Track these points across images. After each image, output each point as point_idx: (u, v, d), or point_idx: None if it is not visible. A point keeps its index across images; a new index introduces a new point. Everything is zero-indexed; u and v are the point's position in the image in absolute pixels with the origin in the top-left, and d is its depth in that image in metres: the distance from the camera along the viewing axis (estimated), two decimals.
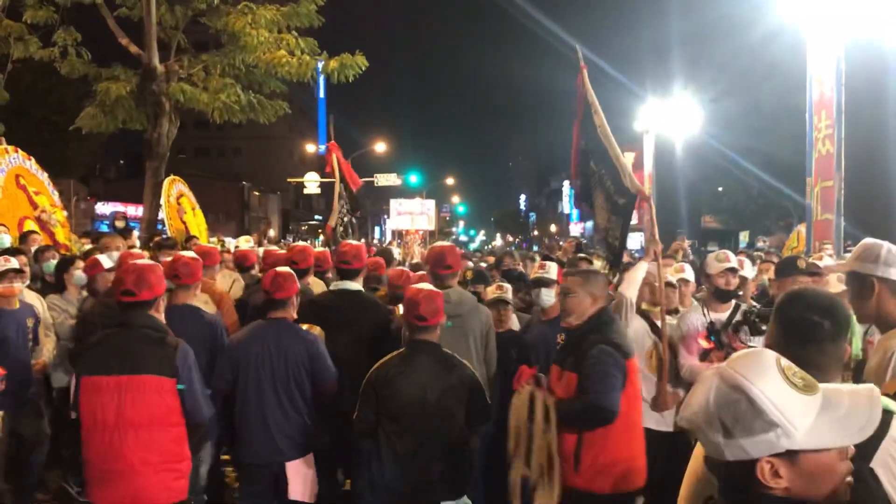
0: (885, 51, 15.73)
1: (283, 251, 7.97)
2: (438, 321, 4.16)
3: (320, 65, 15.39)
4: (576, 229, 63.72)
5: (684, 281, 6.10)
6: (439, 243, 5.74)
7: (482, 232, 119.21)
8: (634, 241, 32.30)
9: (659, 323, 5.11)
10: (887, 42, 15.67)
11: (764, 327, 3.94)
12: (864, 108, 14.41)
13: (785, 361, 1.51)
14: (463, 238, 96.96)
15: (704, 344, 4.93)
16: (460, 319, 4.79)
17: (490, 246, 71.13)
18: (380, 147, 45.41)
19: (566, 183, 72.01)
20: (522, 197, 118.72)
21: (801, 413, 1.43)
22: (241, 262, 8.07)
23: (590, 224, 64.70)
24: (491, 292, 5.64)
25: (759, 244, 19.92)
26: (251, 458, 4.61)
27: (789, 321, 2.27)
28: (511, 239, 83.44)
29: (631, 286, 5.00)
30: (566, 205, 74.38)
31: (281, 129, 63.86)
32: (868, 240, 3.16)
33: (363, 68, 15.02)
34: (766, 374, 1.46)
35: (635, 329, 5.13)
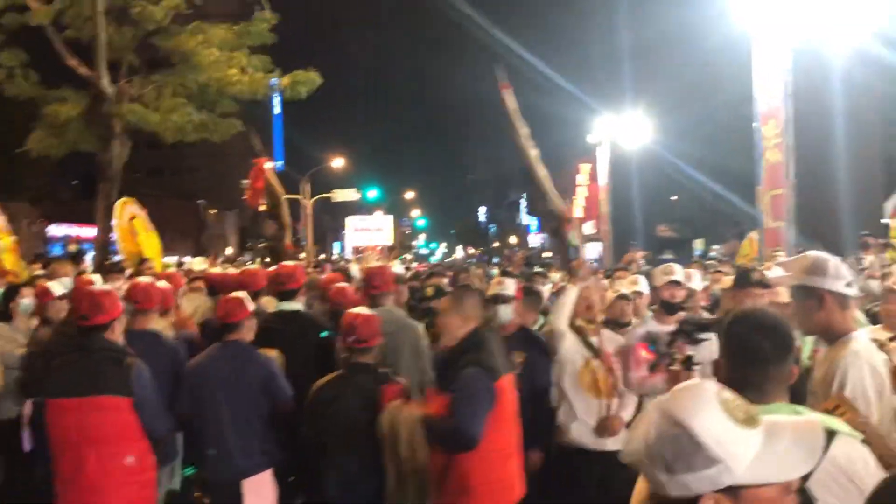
0: (829, 59, 16.17)
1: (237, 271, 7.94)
2: (376, 343, 4.30)
3: (274, 82, 15.35)
4: (535, 240, 64.08)
5: (638, 293, 6.16)
6: (376, 264, 5.88)
7: (444, 245, 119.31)
8: (592, 250, 32.64)
9: (595, 339, 5.10)
10: (831, 50, 16.10)
11: (701, 335, 3.97)
12: (811, 116, 14.78)
13: (726, 393, 1.48)
14: (424, 251, 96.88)
15: (645, 355, 4.97)
16: (389, 337, 4.84)
17: (451, 258, 71.22)
18: (338, 162, 45.25)
19: (525, 195, 72.68)
20: (482, 209, 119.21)
21: (743, 447, 1.41)
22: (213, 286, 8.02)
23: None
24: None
25: (713, 252, 20.31)
26: (211, 475, 4.79)
27: (734, 343, 2.28)
28: (472, 251, 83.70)
29: (560, 315, 5.02)
30: (524, 216, 74.93)
31: (237, 147, 63.29)
32: (813, 253, 3.19)
33: (316, 84, 15.03)
34: (705, 408, 1.43)
35: (566, 348, 5.12)
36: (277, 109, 36.25)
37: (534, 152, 6.17)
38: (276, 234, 9.79)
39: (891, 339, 4.20)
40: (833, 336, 3.06)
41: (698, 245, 34.79)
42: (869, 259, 10.91)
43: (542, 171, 5.74)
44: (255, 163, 10.71)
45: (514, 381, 4.09)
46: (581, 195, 40.37)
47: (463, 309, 4.07)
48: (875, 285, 7.24)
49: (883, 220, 13.47)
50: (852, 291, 3.05)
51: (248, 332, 4.86)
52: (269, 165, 12.84)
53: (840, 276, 3.05)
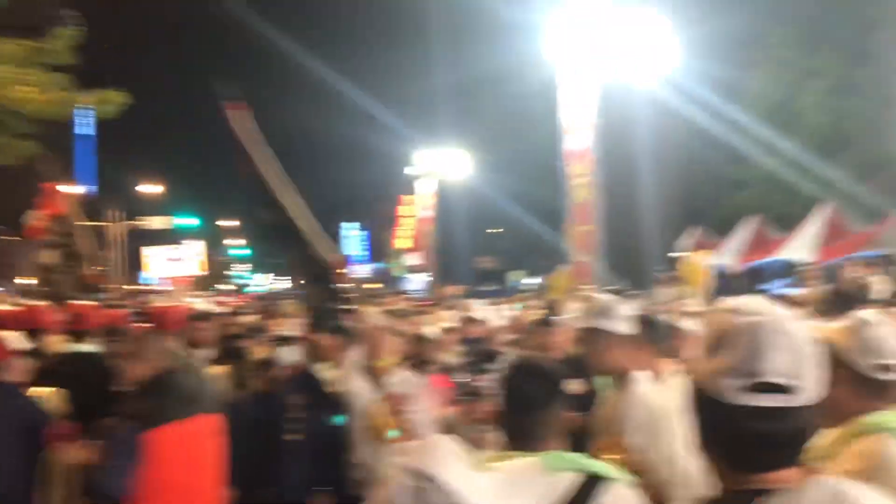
0: (636, 103, 17.26)
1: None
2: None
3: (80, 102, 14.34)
4: (364, 270, 63.99)
5: (449, 329, 6.12)
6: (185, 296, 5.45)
7: (271, 275, 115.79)
8: (418, 281, 32.95)
9: (395, 379, 4.93)
10: (638, 95, 17.20)
11: (488, 366, 3.98)
12: (619, 157, 15.67)
13: (458, 446, 1.58)
14: (242, 282, 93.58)
15: (447, 387, 4.90)
16: None
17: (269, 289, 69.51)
18: (155, 188, 43.07)
19: (343, 224, 73.54)
20: None
21: (483, 493, 1.50)
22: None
23: (380, 264, 65.41)
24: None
25: (528, 284, 21.02)
26: None
27: (508, 391, 2.28)
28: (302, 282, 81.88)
29: (351, 356, 4.82)
30: (347, 246, 75.14)
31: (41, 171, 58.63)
32: (600, 295, 3.34)
33: (122, 104, 14.18)
34: (445, 460, 1.52)
35: (355, 390, 4.90)
36: (85, 130, 33.92)
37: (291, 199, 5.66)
38: (57, 266, 8.95)
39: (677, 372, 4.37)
40: (620, 376, 3.14)
41: (515, 277, 36.00)
42: (663, 293, 11.64)
43: (302, 215, 5.41)
44: (44, 188, 9.80)
45: (216, 421, 3.86)
46: (407, 227, 40.82)
47: (143, 352, 3.97)
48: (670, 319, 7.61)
49: (670, 254, 14.43)
50: (632, 330, 3.18)
51: (15, 373, 4.62)
52: (69, 190, 11.85)
53: (625, 317, 3.18)
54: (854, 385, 2.25)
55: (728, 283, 21.57)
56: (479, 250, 37.68)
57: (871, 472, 2.08)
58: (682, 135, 23.33)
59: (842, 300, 8.20)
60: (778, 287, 18.67)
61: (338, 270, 5.94)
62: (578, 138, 14.93)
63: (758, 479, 1.38)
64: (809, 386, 1.39)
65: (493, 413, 2.36)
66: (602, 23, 14.17)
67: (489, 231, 35.11)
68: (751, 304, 1.45)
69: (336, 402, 4.74)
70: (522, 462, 2.03)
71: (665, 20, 14.78)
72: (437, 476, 1.49)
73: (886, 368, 2.25)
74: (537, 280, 28.37)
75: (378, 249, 70.32)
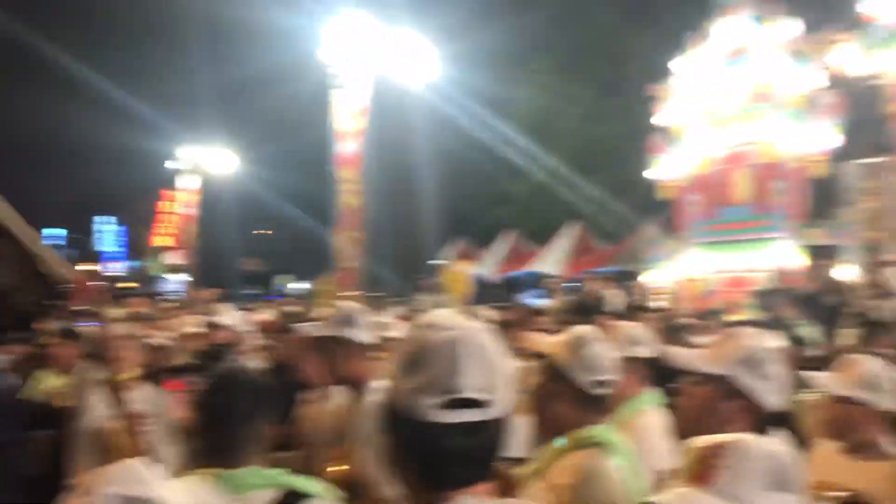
0: (411, 113, 17.54)
1: None
2: None
3: None
4: (117, 268, 59.72)
5: (192, 336, 5.78)
6: None
7: None
8: (176, 283, 31.26)
9: (137, 393, 4.58)
10: (413, 106, 17.48)
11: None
12: (398, 166, 15.82)
13: (155, 466, 1.60)
14: None
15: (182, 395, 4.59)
16: None
17: None
18: None
19: (97, 219, 69.47)
20: (64, 233, 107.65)
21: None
22: None
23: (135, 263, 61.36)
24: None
25: (288, 287, 20.70)
26: None
27: (209, 403, 2.19)
28: None
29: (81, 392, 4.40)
30: (102, 242, 70.42)
31: None
32: (345, 304, 3.35)
33: None
34: (145, 479, 1.54)
35: (91, 406, 4.52)
36: None
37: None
38: None
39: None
40: (356, 385, 3.11)
41: (282, 281, 35.35)
42: (426, 300, 11.92)
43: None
44: None
45: None
46: (168, 224, 38.65)
47: None
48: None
49: (433, 262, 14.85)
50: (374, 339, 3.20)
51: None
52: None
53: (367, 326, 3.18)
54: (573, 400, 2.36)
55: (486, 292, 22.68)
56: (246, 251, 36.55)
57: (578, 487, 2.21)
58: (453, 147, 24.16)
59: (581, 311, 8.87)
60: (529, 297, 19.91)
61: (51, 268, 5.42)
62: (349, 144, 14.92)
63: (450, 496, 1.34)
64: (502, 399, 1.36)
65: (193, 425, 2.22)
66: (370, 30, 14.30)
67: (257, 232, 34.18)
68: (445, 318, 1.40)
69: (38, 415, 4.24)
70: (209, 481, 1.97)
71: (427, 32, 15.23)
72: (148, 494, 1.47)
73: (601, 384, 2.37)
74: (305, 285, 28.05)
75: (136, 247, 66.09)
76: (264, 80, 28.59)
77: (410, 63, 14.53)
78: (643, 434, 2.84)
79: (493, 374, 1.36)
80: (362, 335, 3.17)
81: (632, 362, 3.03)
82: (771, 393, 2.09)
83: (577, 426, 2.34)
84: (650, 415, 2.96)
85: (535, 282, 21.98)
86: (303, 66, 20.32)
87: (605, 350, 2.44)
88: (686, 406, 2.17)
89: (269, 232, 35.27)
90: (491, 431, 1.35)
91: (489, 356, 1.36)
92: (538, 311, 8.28)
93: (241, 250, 33.85)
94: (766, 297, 9.56)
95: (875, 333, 5.62)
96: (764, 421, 2.08)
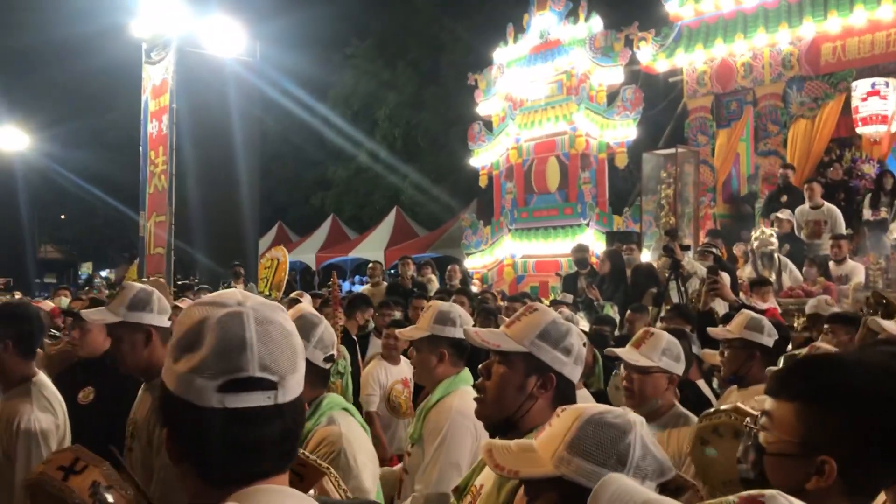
0: (225, 90, 16.56)
1: None
2: None
3: None
4: None
5: None
6: None
7: None
8: None
9: None
10: (226, 82, 16.56)
11: None
12: (215, 144, 14.80)
13: None
14: None
15: None
16: None
17: None
18: None
19: None
20: None
21: None
22: None
23: None
24: None
25: (98, 278, 19.35)
26: None
27: None
28: None
29: None
30: None
31: None
32: (132, 286, 3.09)
33: None
34: None
35: None
36: None
37: None
38: None
39: None
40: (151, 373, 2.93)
41: (85, 269, 32.97)
42: (239, 288, 11.46)
43: None
44: None
45: None
46: None
47: None
48: None
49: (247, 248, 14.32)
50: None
51: None
52: None
53: (164, 310, 3.00)
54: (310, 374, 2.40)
55: (306, 279, 22.34)
56: (45, 237, 33.70)
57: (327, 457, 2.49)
58: (273, 130, 23.51)
59: (397, 294, 8.92)
60: (351, 284, 19.85)
61: None
62: (157, 123, 14.12)
63: (241, 492, 1.18)
64: (293, 381, 1.22)
65: None
66: (180, 6, 13.64)
67: (60, 217, 31.51)
68: (230, 295, 1.24)
69: None
70: None
71: (244, 12, 14.74)
72: None
73: (328, 359, 2.66)
74: (106, 273, 26.34)
75: None
76: (65, 50, 26.33)
77: (224, 40, 13.93)
78: (455, 415, 2.90)
79: (282, 353, 1.21)
80: (160, 320, 2.97)
81: (444, 343, 3.04)
82: (572, 365, 2.11)
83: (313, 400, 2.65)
84: (462, 395, 2.96)
85: (357, 268, 21.96)
86: (110, 39, 18.99)
87: (329, 327, 2.71)
88: (491, 385, 2.15)
89: (62, 217, 32.38)
90: (286, 416, 1.21)
91: (278, 333, 1.22)
92: (363, 297, 8.21)
93: (44, 236, 31.11)
94: (569, 281, 10.06)
95: (672, 312, 6.07)
96: (568, 394, 2.11)
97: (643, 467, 1.44)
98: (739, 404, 2.63)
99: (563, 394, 2.09)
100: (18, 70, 28.09)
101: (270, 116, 21.64)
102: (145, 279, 12.10)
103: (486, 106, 15.05)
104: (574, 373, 2.13)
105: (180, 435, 1.20)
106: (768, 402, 1.53)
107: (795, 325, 7.04)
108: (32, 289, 19.15)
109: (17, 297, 10.09)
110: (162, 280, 10.59)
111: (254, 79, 14.87)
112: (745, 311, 4.02)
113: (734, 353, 3.77)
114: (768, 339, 3.73)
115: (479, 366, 2.21)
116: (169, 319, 3.03)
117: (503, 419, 2.11)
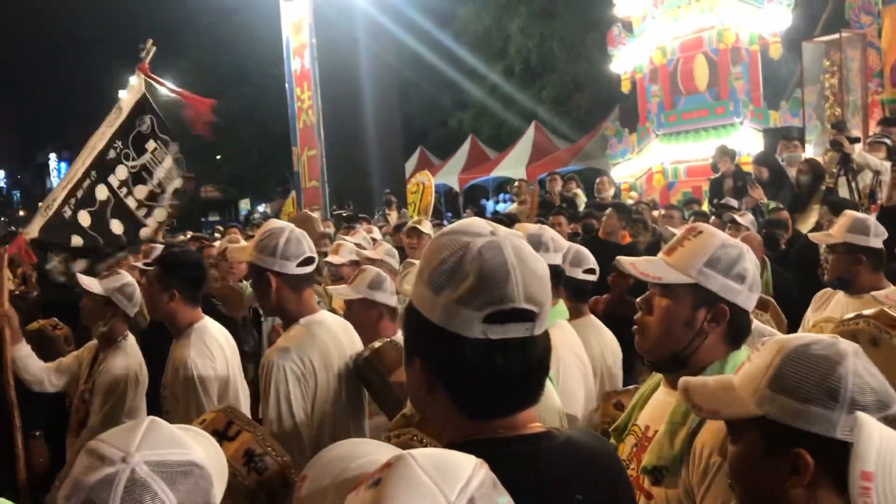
0: (354, 27, 16.95)
1: None
2: None
3: None
4: None
5: None
6: None
7: None
8: None
9: None
10: (356, 20, 16.90)
11: None
12: (339, 80, 15.31)
13: None
14: None
15: None
16: None
17: None
18: None
19: (53, 156, 65.65)
20: (1, 173, 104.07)
21: None
22: None
23: None
24: None
25: (257, 214, 20.39)
26: None
27: None
28: None
29: None
30: (56, 181, 67.65)
31: None
32: (273, 226, 2.88)
33: None
34: None
35: None
36: None
37: None
38: None
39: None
40: (288, 318, 2.88)
41: (244, 205, 34.79)
42: (393, 215, 11.81)
43: None
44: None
45: None
46: None
47: None
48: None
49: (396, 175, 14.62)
50: (304, 270, 2.81)
51: None
52: None
53: (290, 256, 2.78)
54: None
55: (451, 202, 22.64)
56: (203, 178, 35.77)
57: None
58: (397, 59, 23.64)
59: (546, 211, 8.85)
60: (496, 204, 19.92)
61: None
62: (300, 60, 14.51)
63: (497, 424, 1.22)
64: (546, 312, 1.22)
65: None
66: None
67: (216, 157, 33.25)
68: (478, 224, 1.24)
69: None
70: None
71: None
72: None
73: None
74: (264, 208, 27.67)
75: None
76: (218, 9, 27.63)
77: None
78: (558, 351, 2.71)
79: (542, 283, 1.21)
80: (286, 266, 2.77)
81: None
82: (747, 293, 1.84)
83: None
84: (557, 330, 2.77)
85: (500, 187, 21.97)
86: None
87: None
88: (654, 321, 1.89)
89: (218, 158, 34.06)
90: (539, 347, 1.22)
91: (532, 263, 1.21)
92: (509, 217, 8.25)
93: (201, 177, 33.02)
94: (715, 185, 9.58)
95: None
96: (743, 326, 1.88)
97: (860, 401, 1.26)
98: (886, 308, 2.44)
99: (738, 326, 1.85)
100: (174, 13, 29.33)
101: (399, 44, 21.67)
102: (301, 211, 12.67)
103: (624, 6, 14.32)
104: (749, 301, 1.85)
105: (439, 365, 1.22)
106: None
107: None
108: (201, 228, 20.43)
109: (188, 236, 10.69)
110: (308, 213, 10.97)
111: (382, 7, 14.93)
112: (847, 212, 3.71)
113: (838, 259, 3.56)
114: (875, 240, 3.47)
115: (637, 299, 1.96)
116: (325, 253, 2.94)
117: (670, 357, 1.87)
